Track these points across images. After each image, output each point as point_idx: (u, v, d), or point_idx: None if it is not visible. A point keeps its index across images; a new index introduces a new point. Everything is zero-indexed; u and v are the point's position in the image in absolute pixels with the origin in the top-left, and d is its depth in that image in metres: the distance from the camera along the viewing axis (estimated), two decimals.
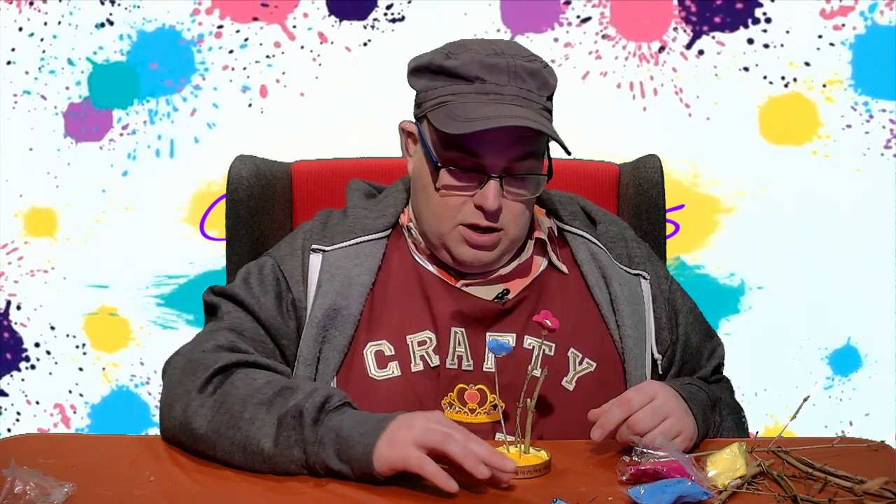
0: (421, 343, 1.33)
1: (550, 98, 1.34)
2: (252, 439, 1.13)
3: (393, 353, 1.32)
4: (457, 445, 1.06)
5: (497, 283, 1.37)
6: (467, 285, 1.36)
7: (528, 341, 1.33)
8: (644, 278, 1.42)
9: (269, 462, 1.13)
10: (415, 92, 1.37)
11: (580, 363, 1.34)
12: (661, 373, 1.40)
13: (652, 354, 1.39)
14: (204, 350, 1.25)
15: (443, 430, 1.08)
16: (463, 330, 1.33)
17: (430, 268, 1.38)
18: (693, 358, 1.45)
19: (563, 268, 1.40)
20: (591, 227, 1.45)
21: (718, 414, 1.34)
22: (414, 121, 1.38)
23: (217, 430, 1.16)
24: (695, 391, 1.30)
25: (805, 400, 1.24)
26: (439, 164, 1.31)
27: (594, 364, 1.35)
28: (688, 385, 1.33)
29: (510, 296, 1.36)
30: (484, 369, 1.31)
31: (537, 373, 1.19)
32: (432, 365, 1.31)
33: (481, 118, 1.25)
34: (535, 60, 1.33)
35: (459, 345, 1.32)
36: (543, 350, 1.30)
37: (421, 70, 1.35)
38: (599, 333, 1.37)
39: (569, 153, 1.30)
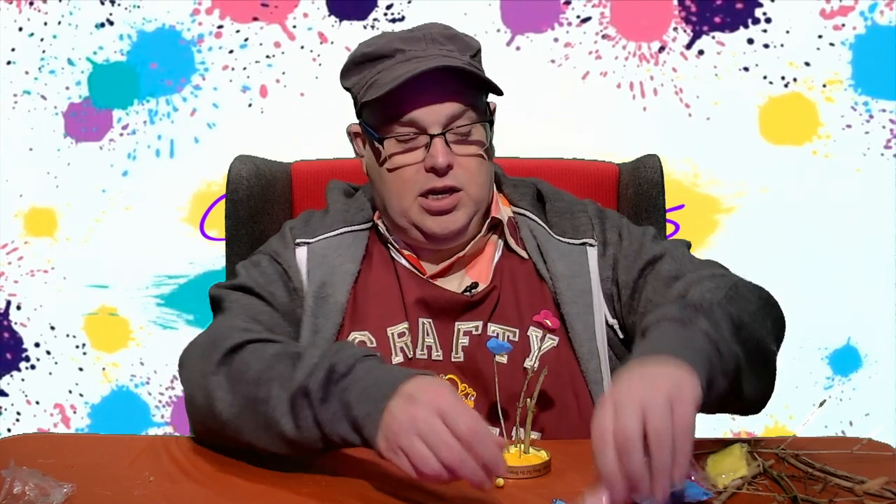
0: (400, 335, 1.35)
1: (476, 57, 1.37)
2: (272, 420, 1.10)
3: (375, 345, 1.34)
4: (417, 456, 1.00)
5: (459, 270, 1.39)
6: (434, 277, 1.38)
7: (492, 328, 1.35)
8: (591, 245, 1.40)
9: (293, 445, 1.10)
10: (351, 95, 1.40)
11: (542, 340, 1.35)
12: (621, 337, 1.37)
13: (607, 321, 1.37)
14: (218, 335, 1.22)
15: (408, 435, 1.00)
16: (430, 320, 1.35)
17: (402, 260, 1.40)
18: (656, 292, 1.34)
19: (524, 253, 1.41)
20: (538, 206, 1.45)
21: (704, 316, 1.09)
22: (358, 121, 1.40)
23: (239, 416, 1.13)
24: (657, 336, 1.08)
25: (822, 405, 1.22)
26: (382, 136, 1.33)
27: (557, 339, 1.35)
28: (646, 340, 1.09)
29: (478, 289, 1.37)
30: (452, 359, 1.33)
31: (502, 361, 1.18)
32: (409, 356, 1.34)
33: (403, 74, 1.29)
34: (452, 28, 1.38)
35: (428, 335, 1.34)
36: (508, 336, 1.33)
37: (347, 69, 1.39)
38: (553, 309, 1.37)
39: (500, 94, 1.33)
